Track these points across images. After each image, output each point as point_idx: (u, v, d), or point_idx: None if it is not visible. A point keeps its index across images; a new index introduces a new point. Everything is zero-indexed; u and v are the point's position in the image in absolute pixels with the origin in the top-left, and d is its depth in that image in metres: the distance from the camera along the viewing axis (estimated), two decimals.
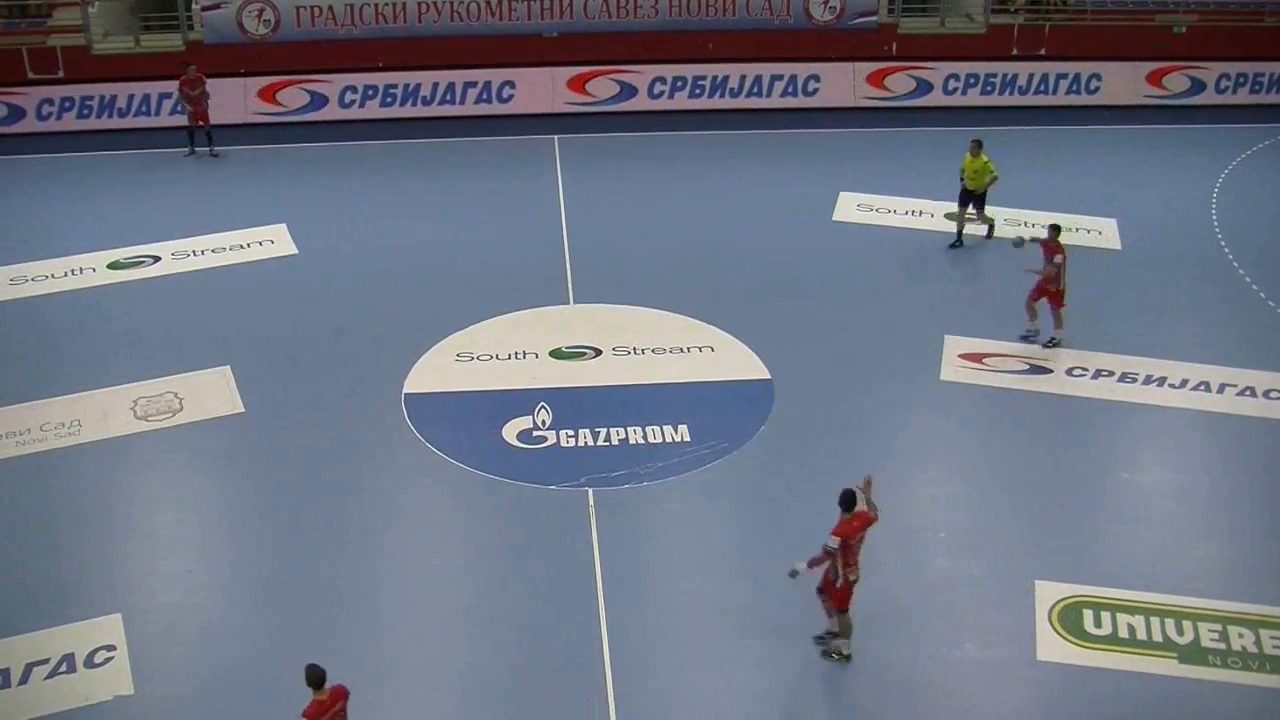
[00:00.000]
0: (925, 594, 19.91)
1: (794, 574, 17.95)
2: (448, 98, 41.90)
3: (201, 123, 38.04)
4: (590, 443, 23.51)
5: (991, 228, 31.57)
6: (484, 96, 41.79)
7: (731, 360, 26.20)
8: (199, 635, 19.51)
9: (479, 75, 41.70)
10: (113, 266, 31.58)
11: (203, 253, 32.04)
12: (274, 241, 32.47)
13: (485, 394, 25.28)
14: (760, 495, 22.22)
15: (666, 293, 28.67)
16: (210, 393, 25.72)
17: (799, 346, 26.61)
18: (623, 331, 27.19)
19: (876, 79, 42.04)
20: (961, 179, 30.93)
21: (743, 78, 41.72)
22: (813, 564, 17.96)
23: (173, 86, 38.79)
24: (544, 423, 24.09)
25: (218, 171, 36.82)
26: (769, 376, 25.52)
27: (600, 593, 19.84)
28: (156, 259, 31.89)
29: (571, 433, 23.79)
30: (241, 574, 20.97)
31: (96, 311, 29.48)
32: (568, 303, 28.70)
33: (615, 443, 23.50)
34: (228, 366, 26.41)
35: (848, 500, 17.99)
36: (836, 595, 18.23)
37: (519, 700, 18.10)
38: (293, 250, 31.99)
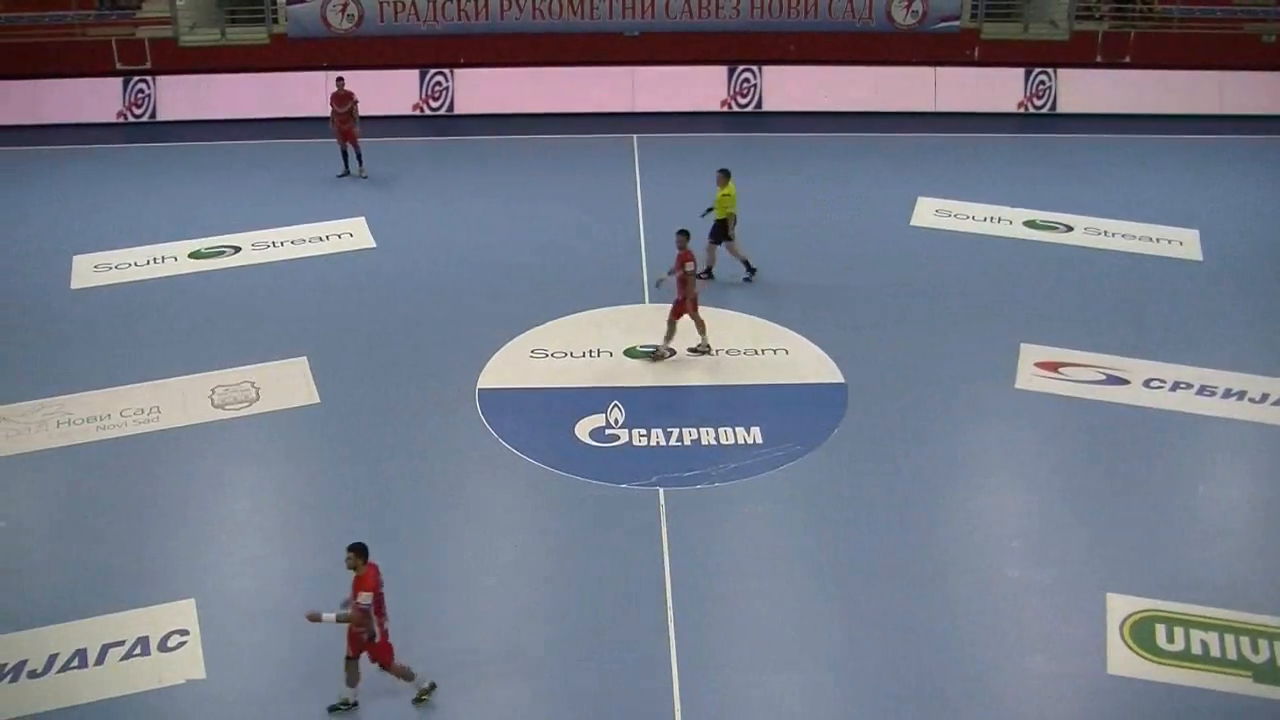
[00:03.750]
0: (996, 602, 19.77)
1: (314, 619, 17.42)
2: (527, 94, 42.07)
3: (349, 142, 36.96)
4: (662, 442, 23.54)
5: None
6: (563, 94, 41.93)
7: (806, 363, 26.17)
8: (270, 622, 19.67)
9: (558, 73, 41.85)
10: (194, 256, 32.01)
11: (282, 244, 32.40)
12: (353, 234, 32.80)
13: (559, 391, 25.38)
14: (832, 499, 22.15)
15: (742, 294, 28.71)
16: (287, 383, 25.98)
17: (874, 351, 26.55)
18: (697, 331, 27.08)
19: (958, 84, 41.84)
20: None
21: (823, 79, 41.63)
22: (342, 620, 17.38)
23: (255, 79, 39.16)
24: (617, 421, 24.15)
25: (298, 164, 37.09)
26: (843, 380, 25.46)
27: (669, 592, 19.80)
28: (237, 249, 32.26)
29: (644, 432, 23.83)
30: (313, 563, 21.07)
31: (177, 300, 29.87)
32: (643, 302, 28.76)
33: (687, 443, 23.51)
34: (304, 357, 26.67)
35: (362, 553, 17.40)
36: (379, 651, 17.61)
37: (585, 697, 18.11)
38: (371, 244, 32.29)
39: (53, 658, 18.87)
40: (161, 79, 42.67)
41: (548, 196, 34.38)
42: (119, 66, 42.67)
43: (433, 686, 17.97)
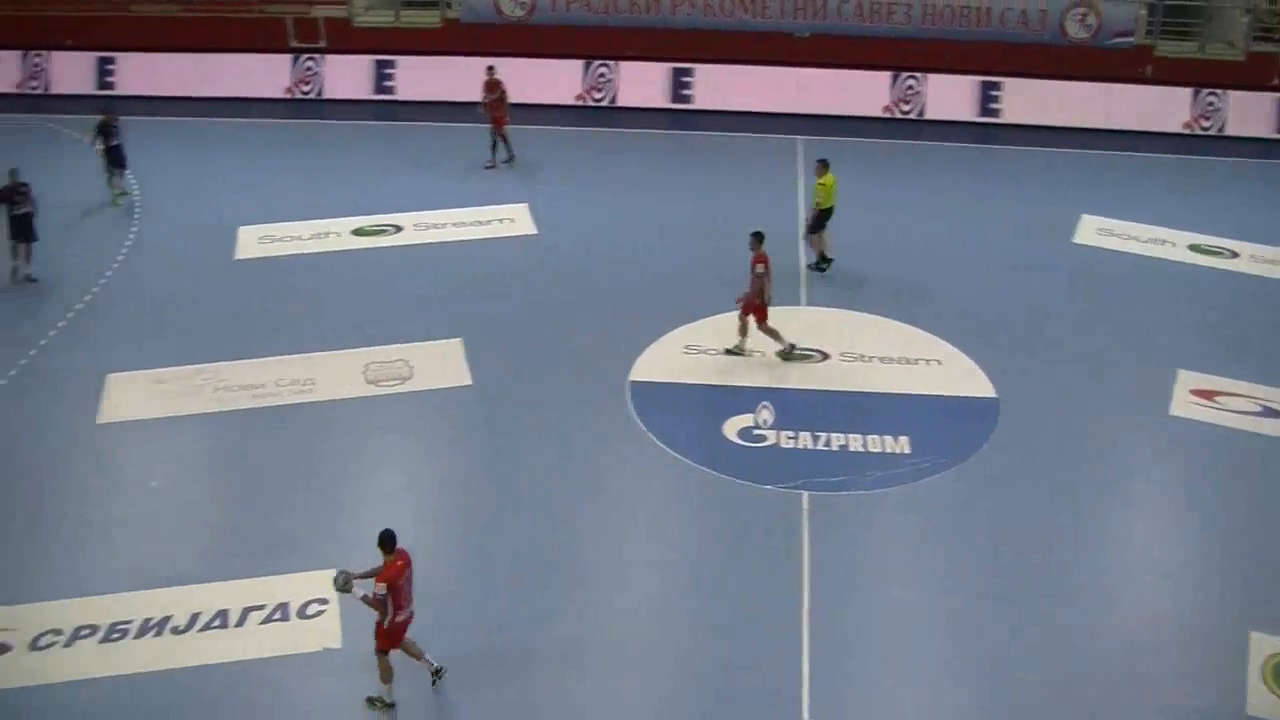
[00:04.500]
0: (1134, 632, 19.46)
1: (340, 585, 17.61)
2: (694, 90, 42.09)
3: (498, 130, 36.94)
4: (810, 446, 23.44)
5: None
6: (728, 92, 41.89)
7: (958, 375, 25.90)
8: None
9: (724, 70, 41.82)
10: (357, 232, 32.51)
11: (444, 226, 32.77)
12: (514, 220, 33.06)
13: (709, 388, 25.40)
14: (976, 515, 21.92)
15: (898, 302, 28.48)
16: (440, 363, 26.29)
17: (1028, 368, 26.20)
18: (852, 337, 27.09)
19: (1127, 101, 41.13)
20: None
21: (989, 90, 41.15)
22: (365, 600, 17.41)
23: (424, 62, 39.59)
24: (765, 422, 24.10)
25: (464, 148, 37.42)
26: (995, 395, 25.16)
27: (805, 597, 19.73)
28: (399, 228, 32.71)
29: (792, 434, 23.76)
30: (455, 543, 21.38)
31: (337, 275, 30.39)
32: (799, 304, 28.67)
33: (835, 448, 23.40)
34: (459, 339, 26.94)
35: (388, 541, 17.50)
36: (383, 635, 17.62)
37: (713, 695, 18.15)
38: (532, 230, 32.55)
39: (195, 615, 19.41)
40: (330, 58, 43.37)
41: (708, 193, 34.39)
42: (293, 44, 43.40)
43: (392, 704, 17.84)
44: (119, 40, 43.87)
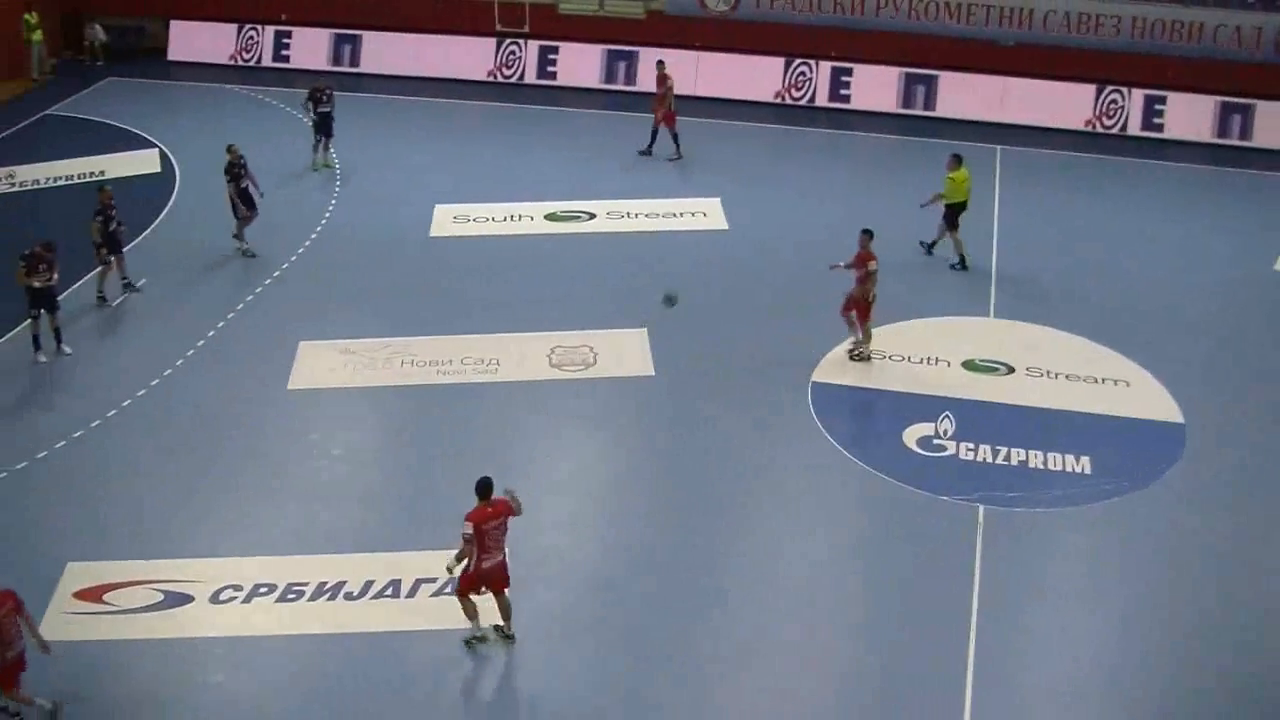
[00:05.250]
0: None
1: (450, 571, 18.47)
2: (892, 93, 41.85)
3: (665, 124, 37.01)
4: (989, 459, 23.20)
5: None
6: (930, 97, 41.58)
7: (1145, 398, 25.38)
8: (577, 582, 20.26)
9: (926, 75, 41.50)
10: (549, 217, 32.91)
11: (636, 215, 33.01)
12: (706, 214, 33.19)
13: (892, 394, 25.25)
14: (1155, 541, 21.46)
15: (1088, 319, 27.99)
16: (624, 352, 26.52)
17: (1219, 395, 25.55)
18: (1039, 352, 26.70)
19: None
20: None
21: (1195, 108, 40.18)
22: (460, 558, 18.11)
23: (626, 52, 39.97)
24: (945, 432, 23.91)
25: (659, 139, 37.58)
26: (1182, 421, 24.60)
27: (974, 612, 19.55)
28: (592, 215, 33.03)
29: (971, 446, 23.53)
30: (625, 531, 21.53)
31: (527, 258, 30.76)
32: (988, 315, 28.41)
33: (1014, 463, 23.12)
34: (644, 329, 27.13)
35: (484, 488, 18.09)
36: (464, 580, 18.24)
37: (873, 705, 18.11)
38: (724, 225, 32.67)
39: (369, 583, 19.90)
40: (533, 43, 43.91)
41: (902, 200, 34.15)
42: (499, 28, 44.00)
43: (482, 639, 18.64)
44: (330, 16, 45.01)
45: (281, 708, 17.89)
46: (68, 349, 26.25)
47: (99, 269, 28.43)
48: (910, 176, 34.14)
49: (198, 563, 20.19)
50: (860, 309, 25.99)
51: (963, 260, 30.56)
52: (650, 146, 37.18)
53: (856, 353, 26.27)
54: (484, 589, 18.35)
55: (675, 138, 36.97)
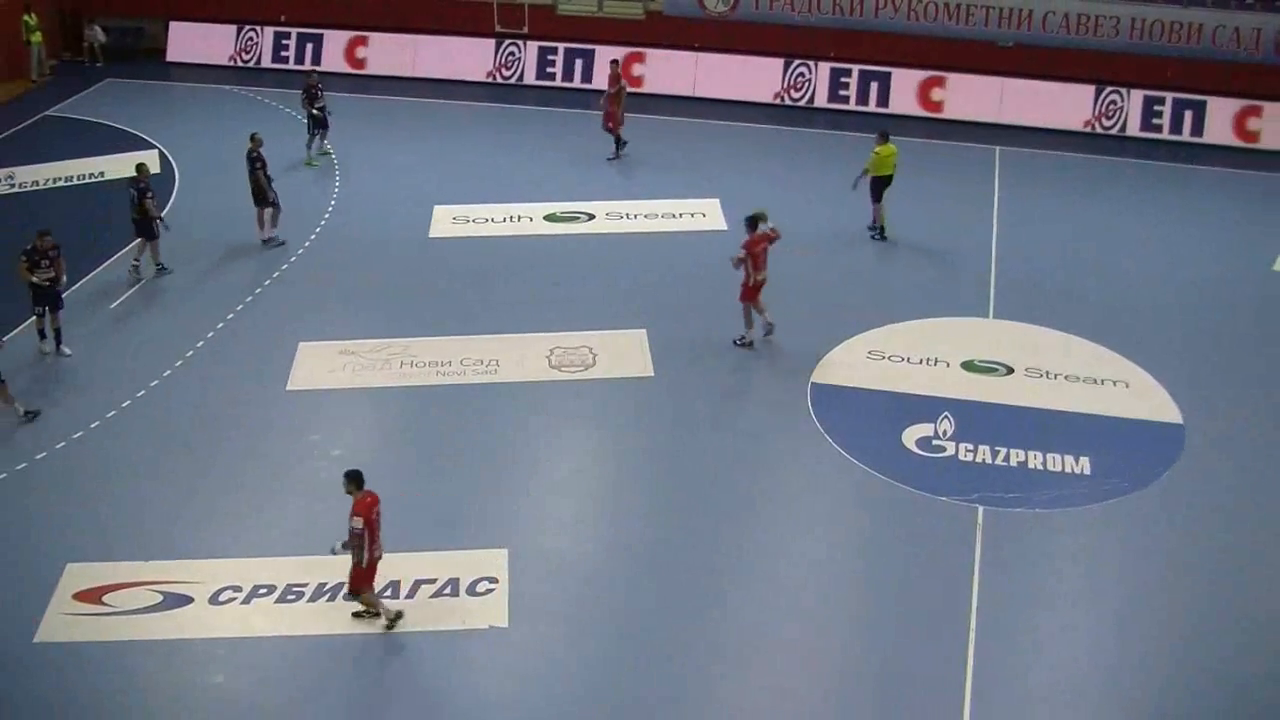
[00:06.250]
0: None
1: (334, 552, 18.60)
2: (891, 94, 41.88)
3: (609, 122, 37.14)
4: (988, 460, 23.19)
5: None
6: (929, 97, 41.61)
7: (1145, 399, 25.38)
8: (578, 583, 20.22)
9: (924, 75, 41.53)
10: (549, 218, 32.95)
11: (635, 216, 33.02)
12: (705, 215, 33.23)
13: (891, 395, 25.20)
14: (1154, 542, 21.44)
15: (1088, 320, 28.01)
16: (624, 353, 26.53)
17: (1218, 396, 25.52)
18: (1038, 352, 26.70)
19: None
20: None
21: (1194, 109, 40.22)
22: (346, 546, 18.25)
23: (623, 53, 39.92)
24: (945, 433, 23.91)
25: (658, 139, 37.67)
26: (1181, 422, 24.60)
27: (973, 613, 19.56)
28: (591, 216, 33.07)
29: (971, 447, 23.53)
30: (624, 532, 21.53)
31: (527, 258, 30.79)
32: (987, 316, 28.38)
33: (1013, 464, 23.11)
34: (644, 330, 27.17)
35: (357, 479, 18.29)
36: (358, 576, 18.41)
37: (873, 705, 18.10)
38: (723, 226, 32.64)
39: None
40: (532, 44, 43.94)
41: (902, 198, 34.13)
42: (498, 29, 44.02)
43: (399, 615, 18.92)
44: (328, 17, 45.07)
45: (281, 708, 17.87)
46: (67, 350, 26.31)
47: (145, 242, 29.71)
48: (909, 178, 34.09)
49: (197, 564, 20.19)
50: (748, 292, 26.64)
51: (881, 231, 31.97)
52: (618, 149, 37.34)
53: (744, 339, 26.89)
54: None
55: (619, 140, 37.20)
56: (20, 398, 24.18)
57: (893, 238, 31.90)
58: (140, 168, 29.96)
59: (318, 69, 40.31)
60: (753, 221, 26.59)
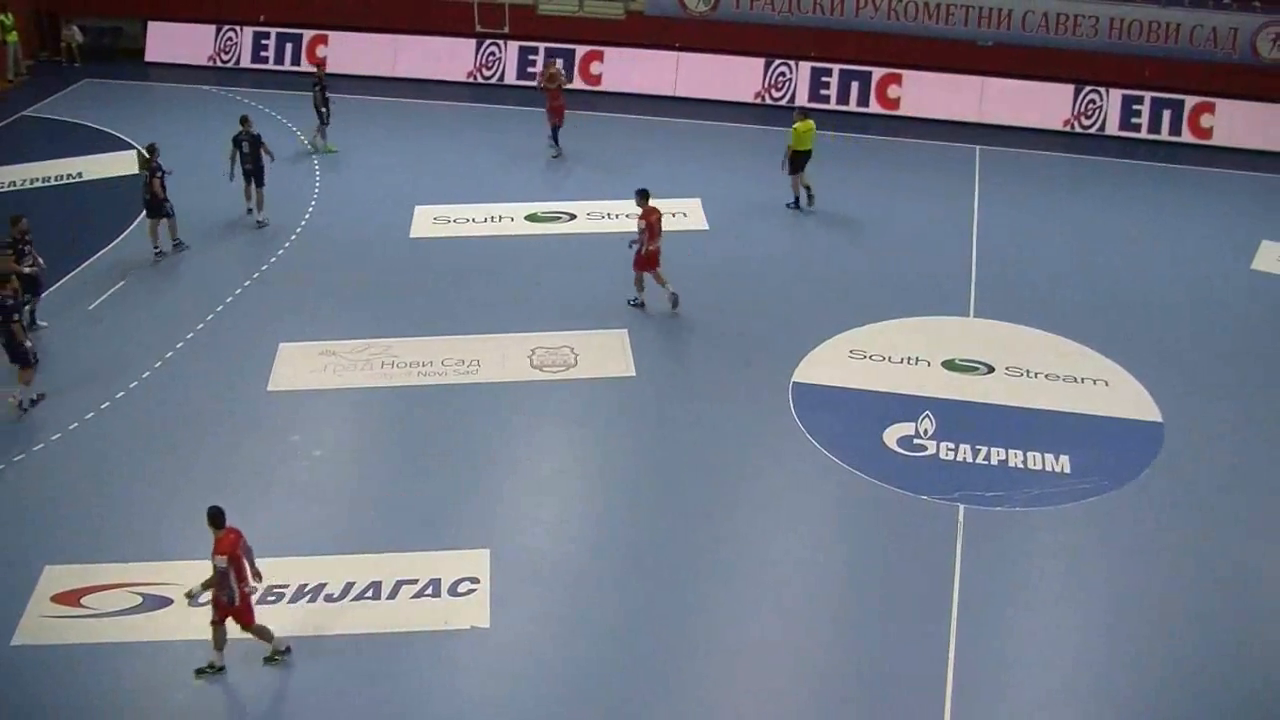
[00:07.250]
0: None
1: (191, 597, 18.30)
2: (873, 93, 41.94)
3: (553, 116, 37.49)
4: (969, 459, 23.23)
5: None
6: (909, 97, 41.70)
7: (1124, 397, 25.44)
8: (559, 583, 20.16)
9: (904, 75, 41.60)
10: (530, 218, 32.96)
11: (616, 216, 32.96)
12: (687, 215, 33.19)
13: (872, 394, 25.22)
14: (1134, 539, 21.48)
15: (1068, 319, 28.08)
16: (605, 353, 26.52)
17: (1198, 394, 25.61)
18: (1018, 351, 26.75)
19: None
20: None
21: (1173, 108, 40.33)
22: (206, 587, 17.89)
23: (605, 53, 39.91)
24: (926, 432, 23.94)
25: (640, 138, 37.62)
26: (1161, 420, 24.67)
27: (954, 611, 19.59)
28: (572, 216, 33.06)
29: (952, 446, 23.56)
30: (609, 531, 21.52)
31: (508, 259, 30.74)
32: (967, 315, 28.42)
33: (994, 463, 23.15)
34: (625, 330, 27.18)
35: (217, 518, 17.83)
36: (239, 612, 17.98)
37: (854, 704, 18.08)
38: (704, 225, 32.68)
39: (349, 585, 19.87)
40: (513, 44, 43.89)
41: (883, 198, 34.22)
42: (478, 29, 43.97)
43: (288, 650, 18.52)
44: (311, 17, 44.99)
45: (261, 711, 17.84)
46: (43, 322, 27.08)
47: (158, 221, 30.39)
48: (890, 176, 34.24)
49: (176, 565, 20.07)
50: (640, 262, 27.73)
51: (796, 201, 33.80)
52: (556, 145, 37.58)
53: (636, 300, 28.28)
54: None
55: (555, 133, 37.41)
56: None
57: (816, 209, 33.31)
58: (150, 148, 30.49)
59: (300, 71, 40.30)
60: (644, 194, 27.65)
